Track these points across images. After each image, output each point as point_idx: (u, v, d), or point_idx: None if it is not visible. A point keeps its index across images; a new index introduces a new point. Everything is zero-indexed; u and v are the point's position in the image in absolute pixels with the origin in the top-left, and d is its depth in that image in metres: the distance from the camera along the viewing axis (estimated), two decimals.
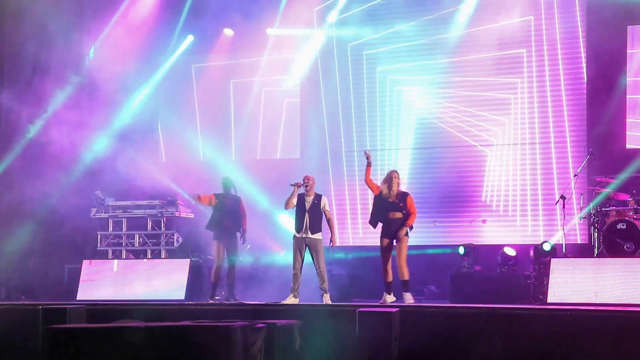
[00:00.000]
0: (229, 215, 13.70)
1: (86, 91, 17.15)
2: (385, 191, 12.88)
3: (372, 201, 13.25)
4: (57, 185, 16.21)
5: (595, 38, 15.63)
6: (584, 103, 15.79)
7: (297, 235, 13.03)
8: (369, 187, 13.16)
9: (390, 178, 12.89)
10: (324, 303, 12.77)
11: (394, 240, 12.80)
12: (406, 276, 12.69)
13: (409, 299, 12.64)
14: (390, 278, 12.81)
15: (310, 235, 12.96)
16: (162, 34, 17.83)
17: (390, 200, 12.84)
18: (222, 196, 13.86)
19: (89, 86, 17.18)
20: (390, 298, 12.77)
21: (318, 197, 13.11)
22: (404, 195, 12.93)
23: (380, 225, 13.04)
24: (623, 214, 13.64)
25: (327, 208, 13.14)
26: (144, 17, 17.60)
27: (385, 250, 12.84)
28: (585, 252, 14.63)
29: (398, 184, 12.94)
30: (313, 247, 12.93)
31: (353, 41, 17.20)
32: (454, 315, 11.37)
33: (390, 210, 12.82)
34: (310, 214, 13.00)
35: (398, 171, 13.17)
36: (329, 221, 13.18)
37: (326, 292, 12.87)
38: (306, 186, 13.07)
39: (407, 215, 12.78)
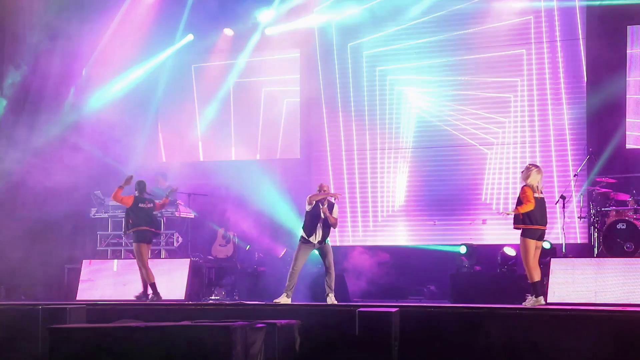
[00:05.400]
0: None
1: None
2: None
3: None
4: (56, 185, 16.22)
5: (595, 38, 15.64)
6: (584, 103, 15.79)
7: (308, 240, 13.01)
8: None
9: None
10: (329, 303, 12.75)
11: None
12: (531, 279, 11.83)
13: (536, 301, 11.76)
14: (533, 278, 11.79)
15: (320, 242, 12.98)
16: (163, 34, 17.83)
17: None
18: None
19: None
20: (533, 301, 11.74)
21: (331, 206, 13.09)
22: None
23: None
24: (623, 214, 13.66)
25: (335, 215, 13.07)
26: (145, 17, 17.60)
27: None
28: (585, 252, 14.63)
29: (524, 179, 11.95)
30: (324, 250, 12.97)
31: (353, 41, 17.20)
32: (454, 315, 11.37)
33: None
34: (324, 223, 12.98)
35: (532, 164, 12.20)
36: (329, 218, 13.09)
37: (332, 291, 12.87)
38: (326, 193, 13.03)
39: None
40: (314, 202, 13.01)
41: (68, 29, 16.68)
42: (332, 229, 13.14)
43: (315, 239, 12.97)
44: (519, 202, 11.82)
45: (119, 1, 17.52)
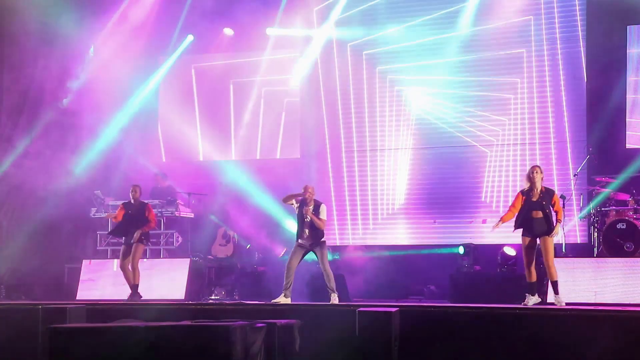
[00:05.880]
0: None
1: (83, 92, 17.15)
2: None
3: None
4: (56, 185, 16.22)
5: (595, 38, 15.65)
6: (584, 103, 15.79)
7: (299, 241, 13.03)
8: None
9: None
10: (331, 302, 12.74)
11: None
12: (555, 277, 11.89)
13: (560, 301, 11.77)
14: (533, 278, 11.93)
15: (312, 244, 12.94)
16: (162, 34, 17.84)
17: (533, 199, 11.93)
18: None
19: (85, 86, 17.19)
20: (533, 299, 11.88)
21: (317, 207, 12.98)
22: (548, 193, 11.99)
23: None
24: (623, 214, 13.67)
25: (322, 216, 12.94)
26: (144, 17, 17.59)
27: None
28: (585, 252, 14.64)
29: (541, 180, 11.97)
30: (318, 249, 12.93)
31: (353, 41, 17.20)
32: (453, 315, 11.37)
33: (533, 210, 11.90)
34: (311, 224, 12.92)
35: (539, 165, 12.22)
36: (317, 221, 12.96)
37: (334, 292, 12.85)
38: (305, 196, 12.97)
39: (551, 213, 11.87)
40: (294, 202, 13.00)
41: (66, 31, 16.64)
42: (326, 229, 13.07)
43: (304, 240, 12.95)
44: (553, 206, 11.87)
45: (117, 3, 17.50)
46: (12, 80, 16.47)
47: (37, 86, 16.67)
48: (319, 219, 12.91)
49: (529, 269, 11.93)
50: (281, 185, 16.39)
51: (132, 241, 13.79)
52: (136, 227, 13.85)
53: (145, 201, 14.36)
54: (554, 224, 11.82)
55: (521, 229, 11.98)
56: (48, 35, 16.44)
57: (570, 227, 15.21)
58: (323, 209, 13.01)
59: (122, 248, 14.11)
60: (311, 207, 12.93)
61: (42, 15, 16.28)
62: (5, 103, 16.47)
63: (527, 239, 11.94)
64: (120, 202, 15.28)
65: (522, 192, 12.06)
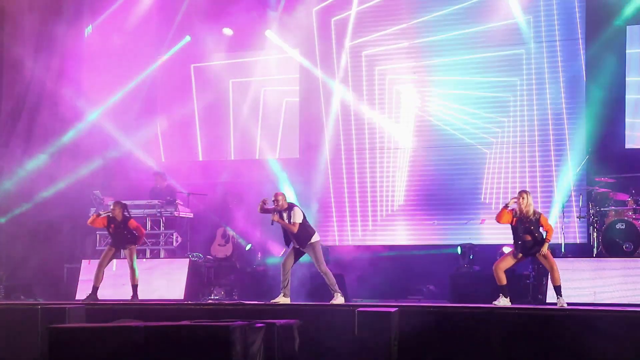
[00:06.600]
0: None
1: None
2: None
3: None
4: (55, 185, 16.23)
5: (595, 38, 15.65)
6: (583, 103, 15.80)
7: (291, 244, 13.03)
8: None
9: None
10: (336, 303, 12.69)
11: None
12: (559, 281, 11.89)
13: (562, 303, 11.77)
14: (503, 282, 12.03)
15: (302, 247, 12.90)
16: (161, 33, 17.84)
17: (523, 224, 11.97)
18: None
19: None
20: (503, 301, 11.96)
21: (290, 211, 12.86)
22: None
23: None
24: (622, 214, 13.66)
25: (293, 220, 12.77)
26: (142, 16, 17.61)
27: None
28: (584, 252, 14.64)
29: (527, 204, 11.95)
30: (309, 251, 12.89)
31: (352, 41, 17.20)
32: (453, 315, 11.38)
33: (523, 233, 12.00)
34: (290, 231, 12.88)
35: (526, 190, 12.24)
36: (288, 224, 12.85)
37: (337, 292, 12.78)
38: (276, 206, 12.85)
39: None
40: (270, 213, 12.94)
41: (63, 32, 16.62)
42: (313, 232, 12.93)
43: (293, 244, 12.93)
44: (541, 226, 11.90)
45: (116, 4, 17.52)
46: (9, 84, 16.44)
47: (35, 90, 16.63)
48: (290, 223, 12.77)
49: (497, 271, 12.00)
50: (280, 185, 16.44)
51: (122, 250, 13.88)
52: (123, 241, 13.84)
53: (128, 215, 14.11)
54: (543, 242, 11.89)
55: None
56: (46, 38, 16.42)
57: (569, 227, 15.21)
58: (294, 212, 12.84)
59: (106, 248, 14.13)
60: (285, 214, 12.84)
61: (39, 18, 16.27)
62: (4, 107, 16.43)
63: (513, 252, 12.11)
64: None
65: (513, 211, 12.05)
